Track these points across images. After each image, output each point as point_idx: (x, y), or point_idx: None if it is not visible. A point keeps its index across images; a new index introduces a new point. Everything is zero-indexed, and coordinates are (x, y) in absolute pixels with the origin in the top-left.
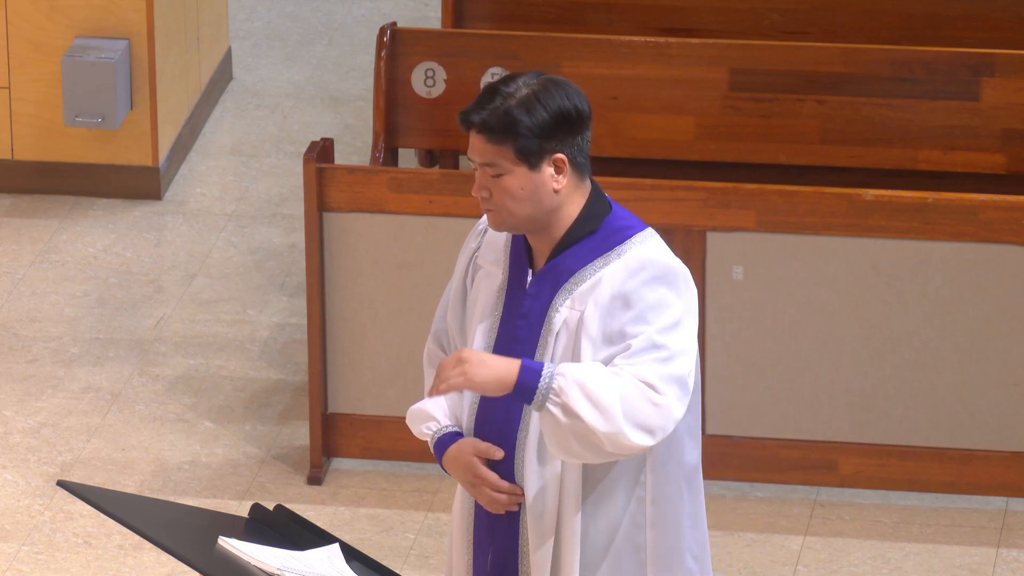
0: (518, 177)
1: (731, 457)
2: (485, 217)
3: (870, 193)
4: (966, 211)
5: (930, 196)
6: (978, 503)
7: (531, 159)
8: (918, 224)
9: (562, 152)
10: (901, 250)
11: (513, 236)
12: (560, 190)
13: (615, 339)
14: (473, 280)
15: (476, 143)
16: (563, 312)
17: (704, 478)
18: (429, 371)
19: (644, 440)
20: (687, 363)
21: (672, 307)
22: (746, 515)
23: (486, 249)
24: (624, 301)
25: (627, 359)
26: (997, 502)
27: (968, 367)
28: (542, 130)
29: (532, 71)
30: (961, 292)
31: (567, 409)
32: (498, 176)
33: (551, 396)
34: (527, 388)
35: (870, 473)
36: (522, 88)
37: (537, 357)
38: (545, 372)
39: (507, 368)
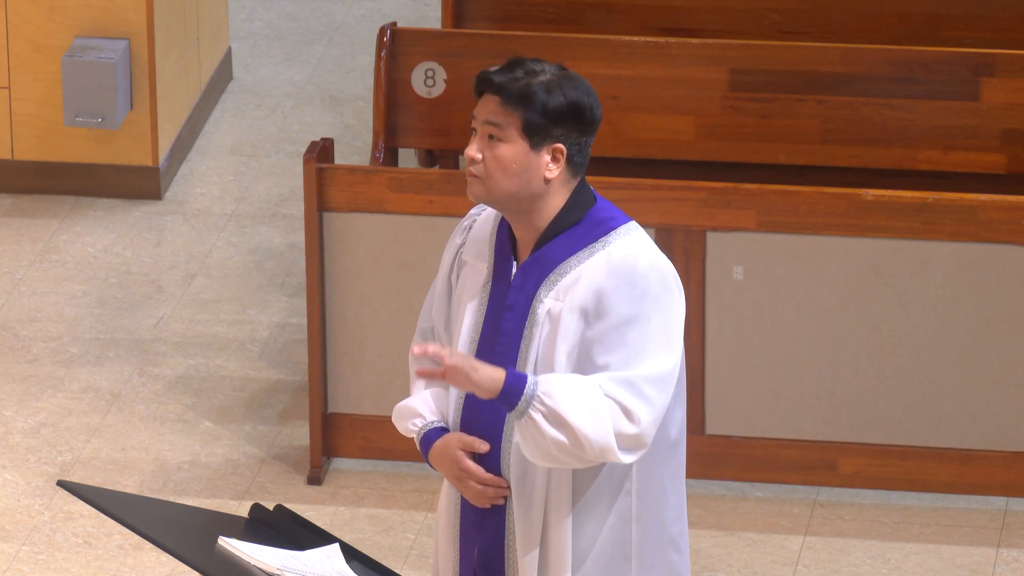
0: (515, 149)
1: (731, 457)
2: (469, 215)
3: (870, 193)
4: (966, 211)
5: (930, 196)
6: (978, 503)
7: (534, 137)
8: (918, 224)
9: (564, 144)
10: (901, 250)
11: (498, 230)
12: (551, 180)
13: (588, 347)
14: (458, 276)
15: (488, 103)
16: (547, 303)
17: (704, 478)
18: (416, 367)
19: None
20: (668, 389)
21: (650, 324)
22: (746, 515)
23: (471, 245)
24: (600, 309)
25: (607, 381)
26: (997, 502)
27: (968, 367)
28: (555, 113)
29: (556, 63)
30: (961, 292)
31: (552, 415)
32: (497, 141)
33: (534, 403)
34: (512, 394)
35: (870, 473)
36: (547, 72)
37: (522, 349)
38: (529, 383)
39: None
